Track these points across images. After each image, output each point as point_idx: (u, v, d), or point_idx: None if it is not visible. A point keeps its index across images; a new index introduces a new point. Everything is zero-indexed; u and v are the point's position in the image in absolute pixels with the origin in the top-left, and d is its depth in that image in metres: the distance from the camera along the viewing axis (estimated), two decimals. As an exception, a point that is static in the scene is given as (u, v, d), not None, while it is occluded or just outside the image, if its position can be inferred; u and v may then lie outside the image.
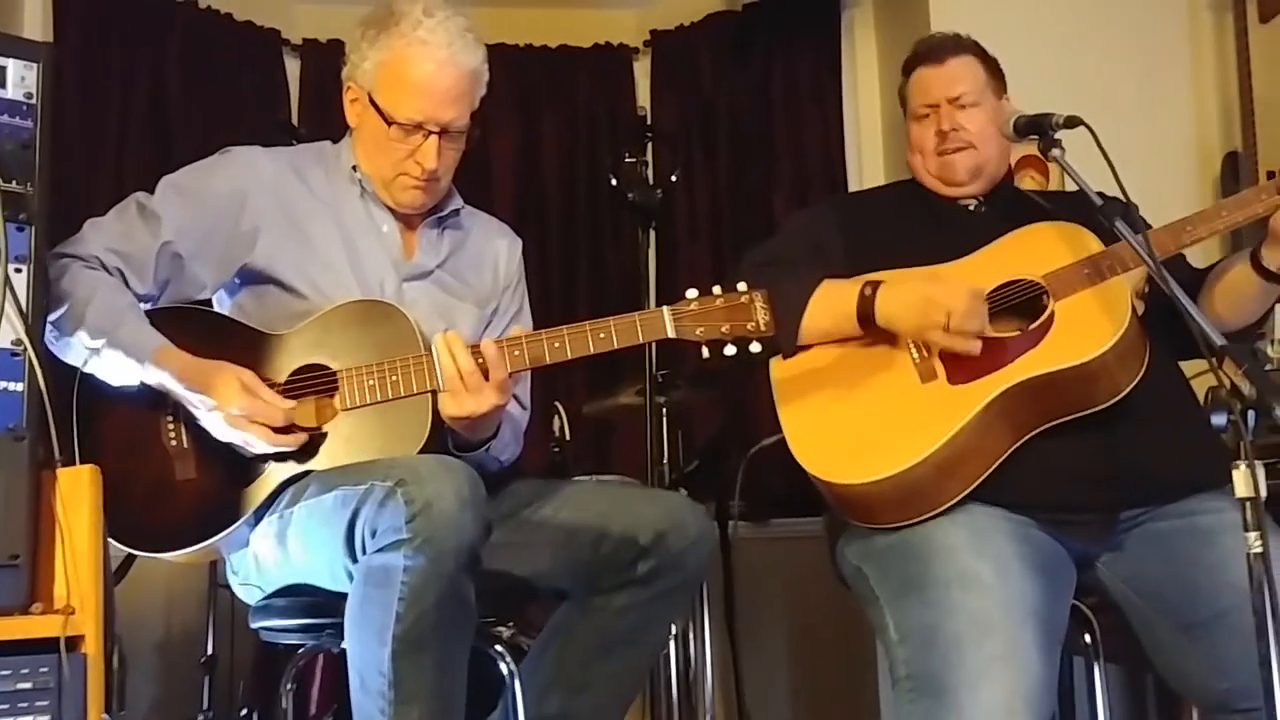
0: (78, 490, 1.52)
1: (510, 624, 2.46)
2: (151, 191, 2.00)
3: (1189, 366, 2.03)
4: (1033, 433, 1.86)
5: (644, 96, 4.34)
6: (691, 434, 3.70)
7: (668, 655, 3.02)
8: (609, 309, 1.87)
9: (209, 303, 2.06)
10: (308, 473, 1.87)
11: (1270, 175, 3.02)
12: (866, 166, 4.06)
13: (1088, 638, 2.03)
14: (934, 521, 1.84)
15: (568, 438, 3.14)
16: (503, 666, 1.97)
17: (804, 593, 3.67)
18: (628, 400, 3.17)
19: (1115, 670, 2.79)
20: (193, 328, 1.92)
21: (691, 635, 3.12)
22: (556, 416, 3.14)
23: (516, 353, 1.85)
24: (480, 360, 1.82)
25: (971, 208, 2.16)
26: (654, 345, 2.94)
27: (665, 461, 3.31)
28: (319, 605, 1.89)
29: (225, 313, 2.04)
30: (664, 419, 3.27)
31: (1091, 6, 3.60)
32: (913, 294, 1.91)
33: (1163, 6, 3.61)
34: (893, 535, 1.87)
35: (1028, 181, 3.17)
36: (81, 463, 1.58)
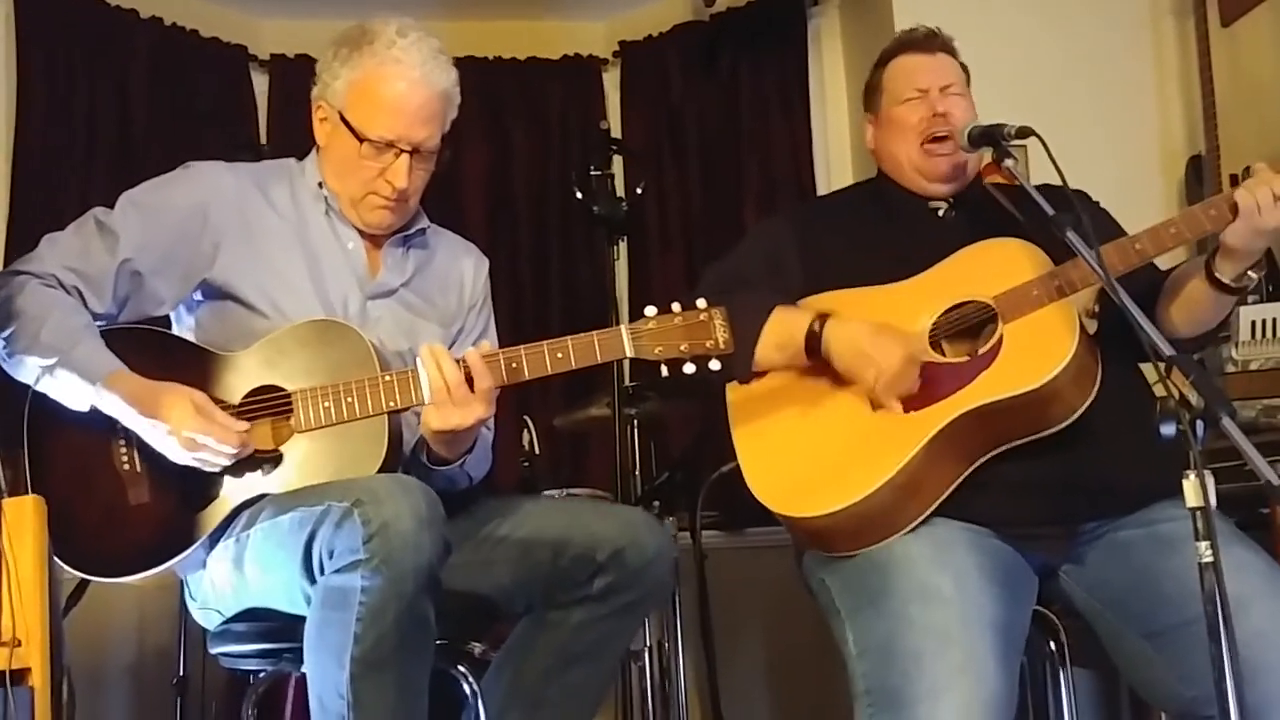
0: (22, 521, 1.51)
1: (481, 641, 2.46)
2: (111, 207, 1.98)
3: (1152, 373, 2.03)
4: (985, 457, 1.85)
5: (613, 108, 4.34)
6: (665, 445, 3.70)
7: (643, 668, 3.01)
8: (581, 323, 1.87)
9: (167, 319, 2.05)
10: (263, 496, 1.86)
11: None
12: (835, 174, 4.06)
13: (1053, 644, 2.04)
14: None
15: (537, 452, 3.13)
16: (465, 687, 1.96)
17: (780, 602, 3.66)
18: (599, 412, 3.16)
19: (1089, 676, 2.79)
20: (145, 349, 1.91)
21: (667, 647, 3.11)
22: (525, 431, 3.13)
23: None
24: (466, 371, 1.81)
25: (941, 212, 2.14)
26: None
27: (637, 473, 3.32)
28: (277, 630, 1.88)
29: (184, 329, 2.04)
30: (635, 431, 3.28)
31: (1055, 13, 3.62)
32: (853, 341, 1.90)
33: (1125, 12, 3.62)
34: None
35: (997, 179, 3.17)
36: (33, 490, 1.56)
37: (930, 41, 2.18)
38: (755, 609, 3.78)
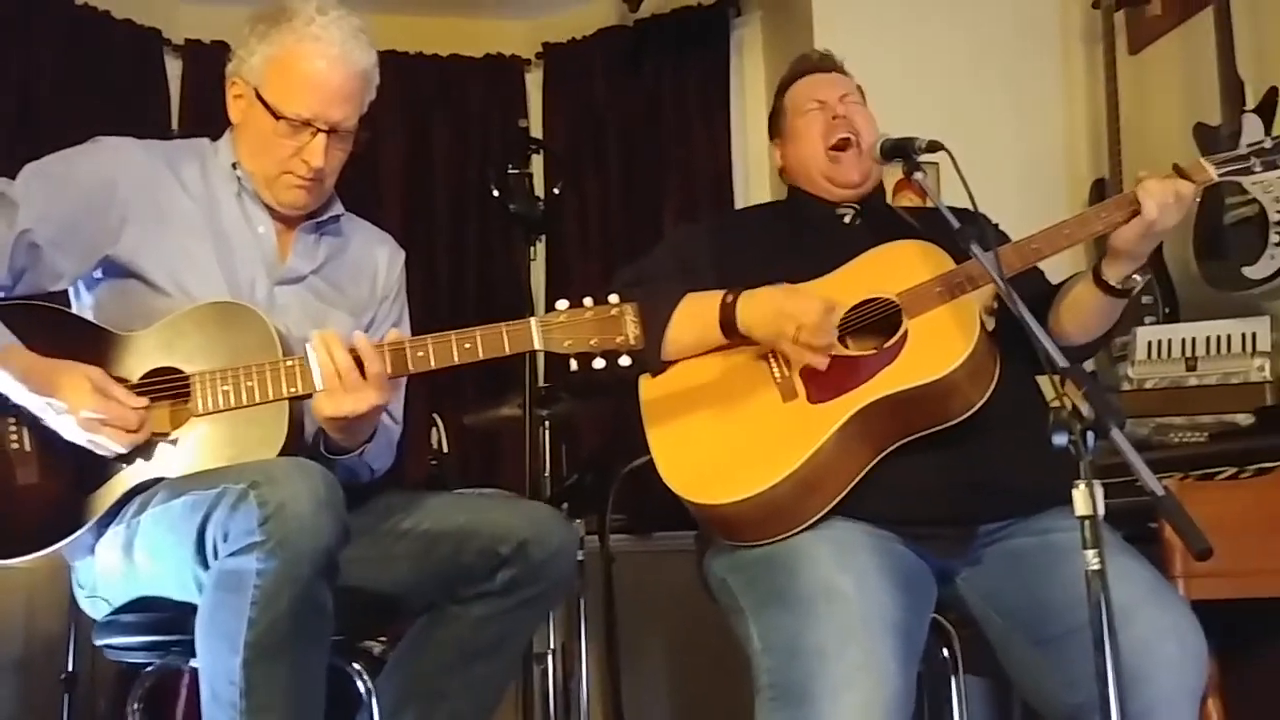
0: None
1: (382, 639, 2.43)
2: (13, 179, 1.93)
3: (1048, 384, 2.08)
4: (890, 448, 1.90)
5: (535, 108, 4.35)
6: (577, 447, 3.70)
7: (546, 670, 3.00)
8: (497, 320, 1.85)
9: (65, 296, 2.00)
10: (158, 479, 1.82)
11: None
12: (753, 182, 4.11)
13: (946, 651, 2.08)
14: (799, 535, 1.87)
15: (446, 450, 3.11)
16: (359, 684, 1.93)
17: (685, 606, 3.66)
18: (510, 412, 3.15)
19: (981, 684, 2.84)
20: (40, 326, 1.85)
21: (571, 648, 3.10)
22: (435, 429, 3.10)
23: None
24: (356, 356, 1.79)
25: (847, 220, 2.20)
26: (540, 357, 2.94)
27: (547, 475, 3.31)
28: (167, 621, 1.84)
29: (83, 307, 1.98)
30: (547, 432, 3.27)
31: (970, 34, 3.69)
32: (769, 304, 1.95)
33: (1037, 36, 3.72)
34: (758, 549, 1.89)
35: (906, 201, 3.23)
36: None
37: (825, 61, 2.31)
38: (660, 612, 3.79)
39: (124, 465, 1.83)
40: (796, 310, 1.90)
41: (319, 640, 1.71)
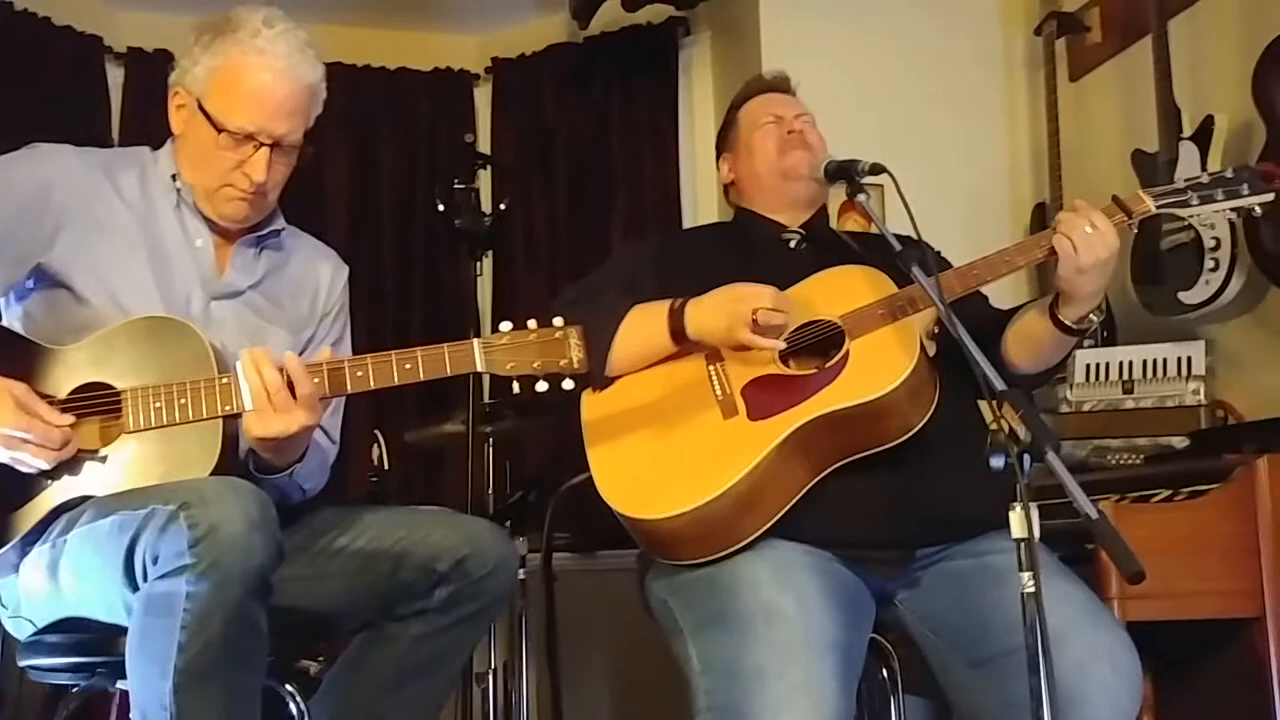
0: None
1: (319, 658, 2.39)
2: None
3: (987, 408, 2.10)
4: (830, 468, 1.90)
5: (484, 123, 4.34)
6: (521, 464, 3.68)
7: (487, 690, 2.97)
8: (443, 337, 1.83)
9: None
10: (86, 498, 1.78)
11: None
12: (701, 200, 4.12)
13: (885, 671, 2.08)
14: (739, 556, 1.86)
15: (386, 467, 3.08)
16: (292, 707, 1.90)
17: (628, 624, 3.64)
18: (454, 429, 3.12)
19: (921, 704, 2.85)
20: None
21: (512, 666, 3.08)
22: (376, 445, 3.07)
23: (316, 380, 1.78)
24: (286, 376, 1.76)
25: (793, 244, 2.21)
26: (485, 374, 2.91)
27: (491, 492, 3.29)
28: (92, 642, 1.80)
29: (12, 318, 1.94)
30: (490, 449, 3.24)
31: (916, 59, 3.75)
32: (719, 302, 1.96)
33: (981, 61, 3.78)
34: (698, 569, 1.89)
35: (851, 224, 3.26)
36: None
37: (780, 82, 2.33)
38: (603, 631, 3.76)
39: (50, 482, 1.79)
40: (749, 298, 1.92)
41: (252, 662, 1.68)
